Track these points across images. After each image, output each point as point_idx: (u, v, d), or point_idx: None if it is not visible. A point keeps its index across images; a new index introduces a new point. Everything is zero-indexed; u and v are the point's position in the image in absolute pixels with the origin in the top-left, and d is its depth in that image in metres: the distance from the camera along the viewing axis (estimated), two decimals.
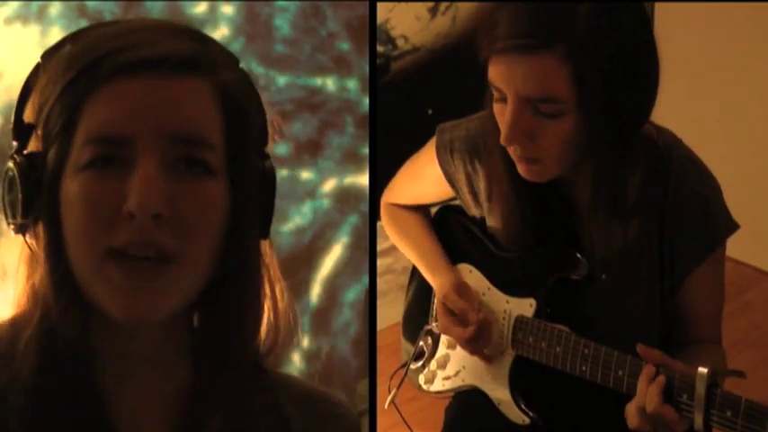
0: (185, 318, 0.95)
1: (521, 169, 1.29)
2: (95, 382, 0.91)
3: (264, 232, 0.97)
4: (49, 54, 0.93)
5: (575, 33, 1.17)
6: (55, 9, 1.91)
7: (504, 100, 1.23)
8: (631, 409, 1.25)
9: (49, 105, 0.89)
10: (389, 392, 1.56)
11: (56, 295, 0.89)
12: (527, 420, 1.43)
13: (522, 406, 1.44)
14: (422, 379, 1.60)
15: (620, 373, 1.26)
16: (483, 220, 1.50)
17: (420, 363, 1.58)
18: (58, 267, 0.89)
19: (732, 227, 1.36)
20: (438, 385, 1.58)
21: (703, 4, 2.82)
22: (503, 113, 1.24)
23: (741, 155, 2.92)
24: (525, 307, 1.43)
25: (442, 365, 1.57)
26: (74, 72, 0.89)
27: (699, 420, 1.17)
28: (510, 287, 1.47)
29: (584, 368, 1.32)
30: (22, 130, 0.91)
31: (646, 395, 1.21)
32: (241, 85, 0.94)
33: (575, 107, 1.20)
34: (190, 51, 0.90)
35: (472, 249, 1.54)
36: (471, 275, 1.53)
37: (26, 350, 0.89)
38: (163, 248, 0.86)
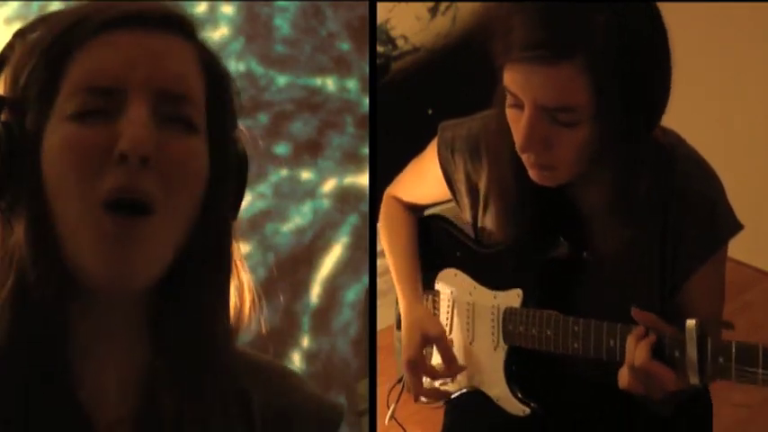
0: (150, 295, 0.94)
1: (533, 174, 1.28)
2: (64, 352, 0.91)
3: (234, 214, 0.96)
4: (22, 32, 0.93)
5: (594, 44, 1.16)
6: (55, 9, 1.91)
7: (518, 106, 1.22)
8: (623, 371, 1.26)
9: (26, 71, 0.89)
10: (388, 407, 1.57)
11: (33, 259, 0.88)
12: (527, 411, 1.43)
13: (520, 396, 1.44)
14: None
15: (612, 342, 1.27)
16: (473, 219, 1.50)
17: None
18: (38, 230, 0.88)
19: (736, 227, 1.36)
20: None
21: (704, 4, 2.82)
22: (517, 119, 1.24)
23: (741, 155, 2.92)
24: (513, 298, 1.44)
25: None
26: (54, 34, 0.89)
27: (693, 374, 1.17)
28: (496, 282, 1.47)
29: (576, 345, 1.32)
30: None
31: (635, 352, 1.21)
32: (219, 60, 0.94)
33: (592, 116, 1.20)
34: (172, 10, 0.91)
35: (456, 253, 1.55)
36: (456, 278, 1.54)
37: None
38: (148, 195, 0.85)
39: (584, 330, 1.31)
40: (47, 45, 0.89)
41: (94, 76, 0.86)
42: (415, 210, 1.65)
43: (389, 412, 1.57)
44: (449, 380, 1.51)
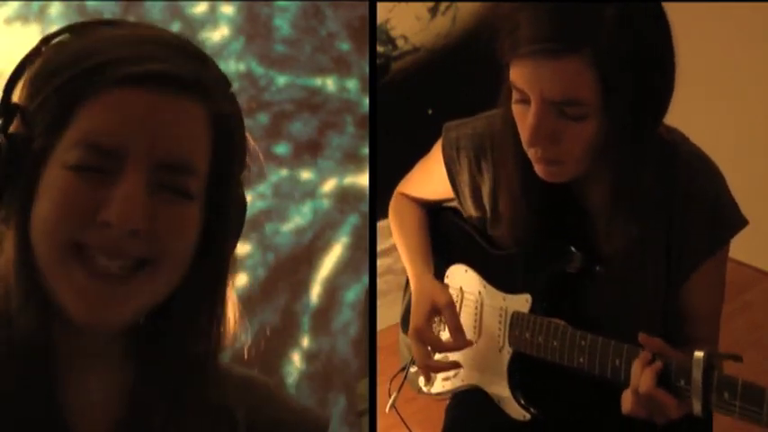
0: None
1: (539, 170, 1.28)
2: (48, 370, 0.92)
3: (232, 247, 0.99)
4: (49, 40, 0.93)
5: (601, 37, 1.16)
6: (55, 9, 1.91)
7: (525, 101, 1.23)
8: (626, 395, 1.26)
9: (42, 95, 0.89)
10: (389, 396, 1.56)
11: (17, 282, 0.89)
12: (527, 416, 1.43)
13: (522, 402, 1.44)
14: (422, 381, 1.60)
15: (618, 362, 1.27)
16: (480, 220, 1.50)
17: (430, 384, 1.59)
18: (23, 254, 0.89)
19: (741, 222, 1.36)
20: (438, 387, 1.58)
21: (706, 4, 2.82)
22: (523, 115, 1.24)
23: (740, 155, 2.92)
24: (521, 303, 1.43)
25: None
26: (76, 70, 0.88)
27: (697, 404, 1.17)
28: (505, 284, 1.47)
29: (581, 360, 1.32)
30: (8, 109, 0.91)
31: (640, 378, 1.21)
32: (231, 111, 0.95)
33: (599, 110, 1.20)
34: (193, 73, 0.90)
35: (467, 250, 1.54)
36: (466, 275, 1.53)
37: None
38: (133, 259, 0.87)
39: (591, 346, 1.31)
40: (63, 82, 0.89)
41: (98, 134, 0.87)
42: (424, 205, 1.66)
43: (390, 401, 1.56)
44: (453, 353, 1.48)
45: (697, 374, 1.16)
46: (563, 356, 1.35)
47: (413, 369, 1.59)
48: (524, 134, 1.25)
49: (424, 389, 1.60)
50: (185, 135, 0.89)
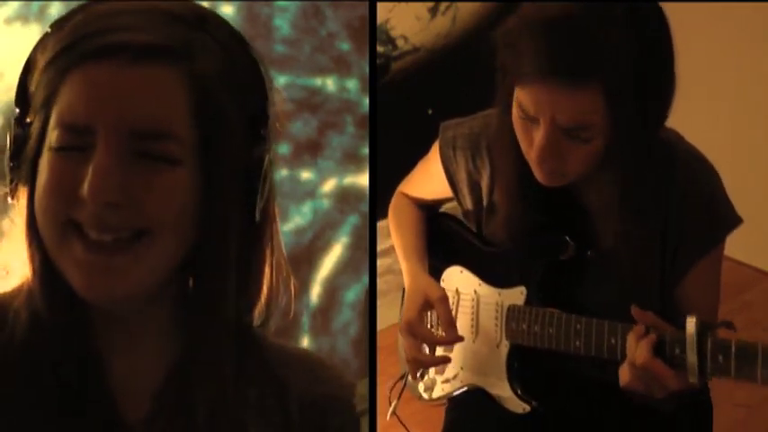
0: (177, 285, 0.95)
1: (540, 178, 1.29)
2: (88, 347, 0.93)
3: (250, 211, 0.97)
4: (56, 24, 0.94)
5: (611, 65, 1.16)
6: (55, 9, 1.91)
7: (530, 119, 1.23)
8: (623, 369, 1.26)
9: (37, 78, 0.91)
10: (389, 403, 1.57)
11: (31, 268, 0.92)
12: (527, 408, 1.44)
13: (521, 393, 1.44)
14: (421, 387, 1.60)
15: (613, 340, 1.28)
16: (477, 215, 1.51)
17: (420, 380, 1.59)
18: (32, 240, 0.92)
19: (735, 221, 1.37)
20: (438, 391, 1.59)
21: (704, 5, 2.81)
22: (527, 131, 1.24)
23: (740, 155, 2.92)
24: (516, 296, 1.44)
25: (441, 371, 1.57)
26: (57, 49, 0.90)
27: (694, 371, 1.18)
28: (500, 280, 1.48)
29: (577, 343, 1.33)
30: (23, 98, 0.93)
31: (636, 350, 1.21)
32: (219, 70, 0.93)
33: (606, 129, 1.21)
34: (164, 38, 0.89)
35: (461, 251, 1.55)
36: (462, 276, 1.54)
37: (16, 318, 0.92)
38: (122, 231, 0.88)
39: (586, 328, 1.32)
40: (49, 59, 0.90)
41: (69, 112, 0.88)
42: (422, 206, 1.66)
43: (391, 409, 1.57)
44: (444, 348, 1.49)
45: (691, 339, 1.17)
46: (559, 343, 1.36)
47: (411, 377, 1.59)
48: (529, 151, 1.26)
49: (424, 395, 1.60)
50: (156, 101, 0.88)
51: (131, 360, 0.96)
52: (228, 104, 0.93)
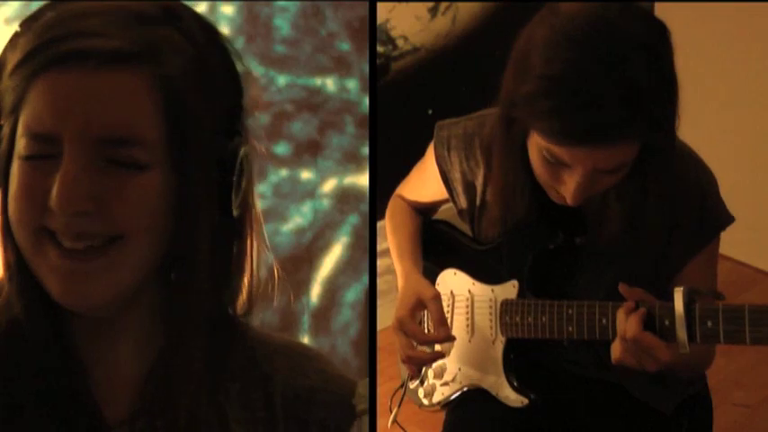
0: (157, 285, 0.95)
1: (554, 197, 1.30)
2: (68, 351, 0.93)
3: (226, 205, 0.96)
4: (26, 23, 0.93)
5: (644, 117, 1.15)
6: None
7: (560, 164, 1.22)
8: (615, 344, 1.27)
9: (5, 82, 0.90)
10: (390, 411, 1.58)
11: (7, 275, 0.92)
12: (525, 401, 1.44)
13: (518, 386, 1.45)
14: (421, 393, 1.61)
15: (604, 321, 1.29)
16: (470, 213, 1.51)
17: (417, 380, 1.59)
18: (7, 245, 0.92)
19: (727, 219, 1.37)
20: (438, 395, 1.59)
21: (703, 4, 2.81)
22: (553, 169, 1.24)
23: (740, 155, 2.92)
24: (509, 290, 1.45)
25: (439, 375, 1.58)
26: (25, 51, 0.89)
27: (683, 338, 1.19)
28: (493, 277, 1.49)
29: (570, 329, 1.34)
30: None
31: (626, 325, 1.22)
32: (194, 67, 0.92)
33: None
34: (129, 42, 0.88)
35: (455, 254, 1.56)
36: (456, 277, 1.55)
37: None
38: (95, 238, 0.88)
39: (578, 312, 1.33)
40: (15, 64, 0.89)
41: (35, 121, 0.87)
42: (418, 209, 1.67)
43: (392, 416, 1.57)
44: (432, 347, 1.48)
45: (679, 308, 1.19)
46: (553, 330, 1.37)
47: (411, 385, 1.60)
48: (553, 182, 1.25)
49: (425, 401, 1.61)
50: (122, 107, 0.87)
51: (111, 362, 0.96)
52: (198, 102, 0.92)
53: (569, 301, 1.35)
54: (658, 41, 1.18)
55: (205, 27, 0.97)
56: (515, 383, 1.45)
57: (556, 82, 1.15)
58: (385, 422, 1.61)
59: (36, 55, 0.88)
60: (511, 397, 1.46)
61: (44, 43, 0.88)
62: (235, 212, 0.96)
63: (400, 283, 1.53)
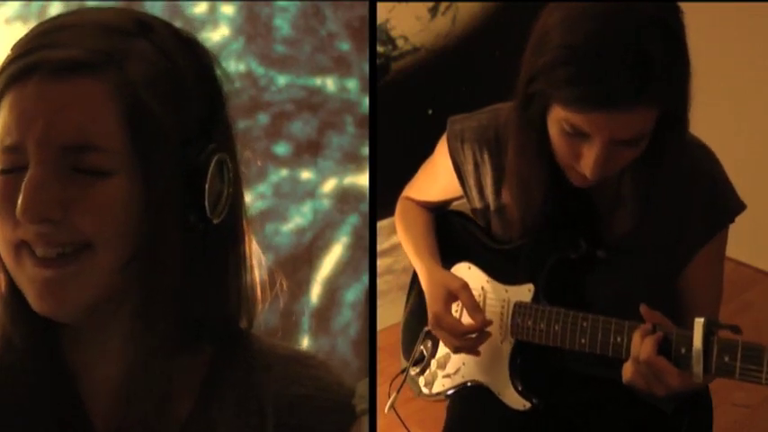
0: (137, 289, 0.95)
1: (575, 180, 1.30)
2: (58, 361, 0.96)
3: (200, 212, 0.96)
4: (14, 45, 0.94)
5: (665, 84, 1.17)
6: (55, 9, 1.91)
7: (580, 134, 1.22)
8: (627, 365, 1.27)
9: None
10: (389, 397, 1.57)
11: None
12: (528, 405, 1.44)
13: (522, 390, 1.44)
14: (422, 382, 1.60)
15: (619, 339, 1.28)
16: (484, 212, 1.51)
17: (419, 367, 1.58)
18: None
19: (739, 206, 1.37)
20: (438, 386, 1.58)
21: (703, 4, 2.81)
22: (571, 143, 1.24)
23: (741, 154, 2.92)
24: (524, 293, 1.44)
25: (443, 365, 1.57)
26: None
27: (698, 370, 1.18)
28: (508, 277, 1.48)
29: (582, 341, 1.33)
30: None
31: (640, 346, 1.22)
32: (162, 77, 0.93)
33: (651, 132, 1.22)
34: (89, 51, 0.89)
35: (470, 247, 1.55)
36: (470, 272, 1.54)
37: None
38: (65, 246, 0.89)
39: (592, 326, 1.32)
40: None
41: (5, 135, 0.89)
42: (428, 208, 1.66)
43: (389, 402, 1.57)
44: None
45: (698, 339, 1.17)
46: (565, 340, 1.36)
47: (413, 372, 1.59)
48: (571, 160, 1.25)
49: (425, 390, 1.60)
50: (82, 114, 0.88)
51: (101, 369, 0.96)
52: (165, 110, 0.92)
53: (584, 314, 1.34)
54: (672, 17, 1.20)
55: (181, 38, 0.98)
56: (520, 388, 1.45)
57: (574, 50, 1.17)
58: (385, 422, 1.61)
59: (4, 71, 0.90)
60: (514, 400, 1.45)
61: (12, 59, 0.91)
62: (215, 219, 0.96)
63: (423, 281, 1.53)
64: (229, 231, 1.00)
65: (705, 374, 1.18)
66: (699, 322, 1.18)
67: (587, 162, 1.23)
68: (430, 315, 1.47)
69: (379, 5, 2.56)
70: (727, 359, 1.16)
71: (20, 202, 0.87)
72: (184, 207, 0.95)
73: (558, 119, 1.23)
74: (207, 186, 0.95)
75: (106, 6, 0.99)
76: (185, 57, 0.96)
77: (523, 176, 1.37)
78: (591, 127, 1.20)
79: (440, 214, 1.65)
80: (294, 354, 1.07)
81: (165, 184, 0.93)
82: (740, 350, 1.15)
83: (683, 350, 1.20)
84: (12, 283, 0.93)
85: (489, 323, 1.44)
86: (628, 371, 1.26)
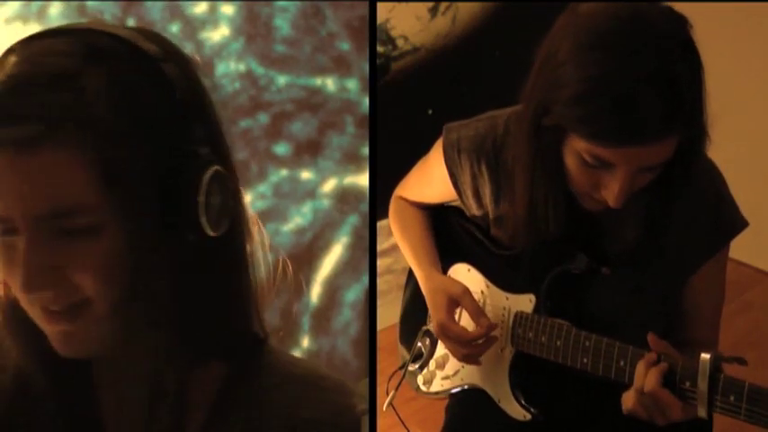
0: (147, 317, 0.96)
1: (587, 204, 1.28)
2: (81, 382, 0.98)
3: (199, 231, 0.95)
4: None
5: (688, 115, 1.14)
6: (55, 9, 1.91)
7: (602, 165, 1.19)
8: (629, 394, 1.25)
9: None
10: (387, 394, 1.56)
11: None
12: (528, 416, 1.43)
13: (523, 402, 1.43)
14: (420, 380, 1.60)
15: (622, 363, 1.26)
16: (483, 220, 1.50)
17: (418, 364, 1.57)
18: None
19: (742, 223, 1.36)
20: (437, 386, 1.58)
21: (703, 4, 2.81)
22: (590, 173, 1.21)
23: (741, 155, 2.92)
24: (525, 303, 1.43)
25: (441, 365, 1.57)
26: None
27: (702, 406, 1.16)
28: (509, 284, 1.46)
29: (585, 360, 1.31)
30: None
31: (645, 377, 1.20)
32: (125, 110, 0.90)
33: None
34: (43, 122, 0.87)
35: (470, 249, 1.54)
36: (469, 274, 1.53)
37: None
38: (64, 305, 0.91)
39: (595, 347, 1.30)
40: None
41: None
42: (423, 208, 1.65)
43: (388, 399, 1.56)
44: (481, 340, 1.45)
45: (703, 377, 1.16)
46: (566, 357, 1.34)
47: (411, 368, 1.59)
48: (588, 188, 1.23)
49: (423, 387, 1.60)
50: (53, 185, 0.88)
51: (120, 389, 0.97)
52: (133, 144, 0.90)
53: (587, 333, 1.32)
54: (685, 34, 1.17)
55: (142, 56, 0.93)
56: (521, 400, 1.44)
57: (593, 84, 1.13)
58: (385, 422, 1.61)
59: None
60: (514, 409, 1.44)
61: None
62: (211, 232, 0.95)
63: (424, 287, 1.51)
64: (232, 241, 0.99)
65: (709, 411, 1.16)
66: (705, 359, 1.16)
67: (611, 192, 1.20)
68: (435, 325, 1.45)
69: (379, 5, 2.56)
70: (733, 399, 1.14)
71: (19, 277, 0.89)
72: (180, 229, 0.94)
73: (576, 150, 1.19)
74: (201, 200, 0.93)
75: (60, 27, 0.95)
76: (151, 75, 0.93)
77: (536, 203, 1.33)
78: (617, 158, 1.17)
79: (437, 212, 1.63)
80: (310, 374, 1.05)
81: (150, 216, 0.92)
82: (747, 391, 1.13)
83: (688, 384, 1.18)
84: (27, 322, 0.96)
85: (495, 327, 1.42)
86: (629, 400, 1.25)
